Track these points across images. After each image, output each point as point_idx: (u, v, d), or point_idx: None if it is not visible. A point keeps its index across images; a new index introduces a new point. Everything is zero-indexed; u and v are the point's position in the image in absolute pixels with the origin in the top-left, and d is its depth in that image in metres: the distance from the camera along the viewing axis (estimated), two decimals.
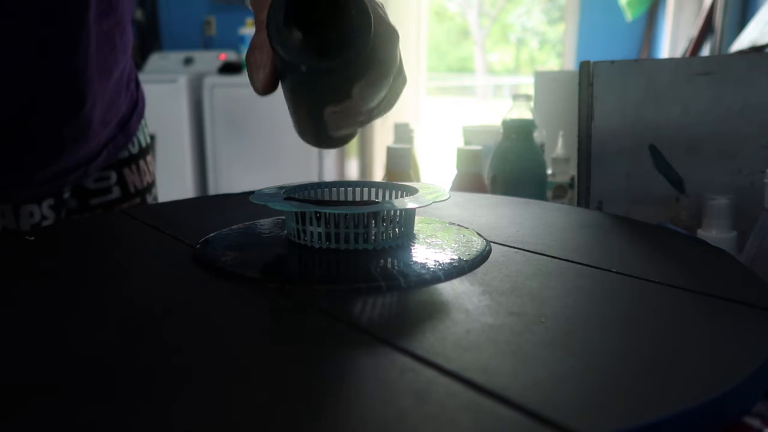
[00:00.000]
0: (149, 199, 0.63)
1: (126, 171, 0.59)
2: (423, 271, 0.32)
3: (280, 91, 0.39)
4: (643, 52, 2.88)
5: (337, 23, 0.33)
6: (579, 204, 0.62)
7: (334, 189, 0.43)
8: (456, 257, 0.35)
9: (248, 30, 2.79)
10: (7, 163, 0.49)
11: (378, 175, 3.16)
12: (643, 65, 0.59)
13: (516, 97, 0.79)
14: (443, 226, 0.42)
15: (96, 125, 0.53)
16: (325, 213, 0.36)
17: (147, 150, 0.61)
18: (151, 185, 0.62)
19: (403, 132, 0.95)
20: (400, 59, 0.37)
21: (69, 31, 0.46)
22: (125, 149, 0.59)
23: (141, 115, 0.61)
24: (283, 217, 0.44)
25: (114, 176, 0.57)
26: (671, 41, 2.49)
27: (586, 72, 0.59)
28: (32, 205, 0.53)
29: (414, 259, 0.35)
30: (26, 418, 0.19)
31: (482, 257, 0.35)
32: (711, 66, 0.57)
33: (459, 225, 0.43)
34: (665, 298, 0.30)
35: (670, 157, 0.59)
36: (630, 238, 0.42)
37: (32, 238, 0.42)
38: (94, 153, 0.55)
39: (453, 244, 0.38)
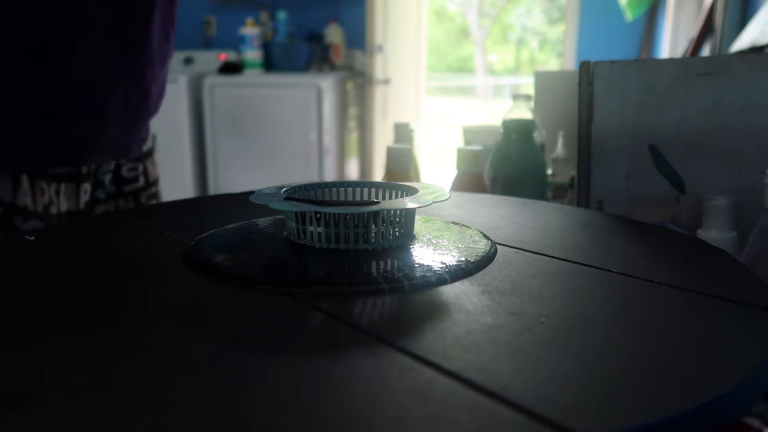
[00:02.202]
0: (159, 189, 0.73)
1: (147, 163, 0.69)
2: (429, 274, 0.32)
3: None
4: (643, 52, 2.88)
5: None
6: (579, 204, 0.62)
7: (334, 189, 0.43)
8: (463, 259, 0.35)
9: (248, 30, 2.79)
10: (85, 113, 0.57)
11: (378, 175, 3.16)
12: (643, 65, 0.59)
13: (516, 97, 0.79)
14: (446, 226, 0.42)
15: (153, 98, 0.62)
16: (325, 213, 0.36)
17: (154, 149, 0.71)
18: (158, 178, 0.72)
19: (403, 132, 0.95)
20: None
21: None
22: (146, 143, 0.70)
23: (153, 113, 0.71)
24: (280, 216, 0.44)
25: (141, 167, 0.68)
26: (671, 41, 2.49)
27: (586, 72, 0.59)
28: (86, 184, 0.62)
29: (418, 260, 0.35)
30: (22, 419, 0.19)
31: (488, 258, 0.35)
32: (711, 66, 0.57)
33: (462, 225, 0.43)
34: (665, 298, 0.30)
35: (670, 157, 0.59)
36: (630, 238, 0.42)
37: (32, 238, 0.42)
38: (142, 135, 0.65)
39: (459, 245, 0.37)
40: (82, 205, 0.61)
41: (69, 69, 0.54)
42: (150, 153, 0.70)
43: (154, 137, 0.71)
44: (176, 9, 0.64)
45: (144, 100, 0.61)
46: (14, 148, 0.54)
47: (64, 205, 0.60)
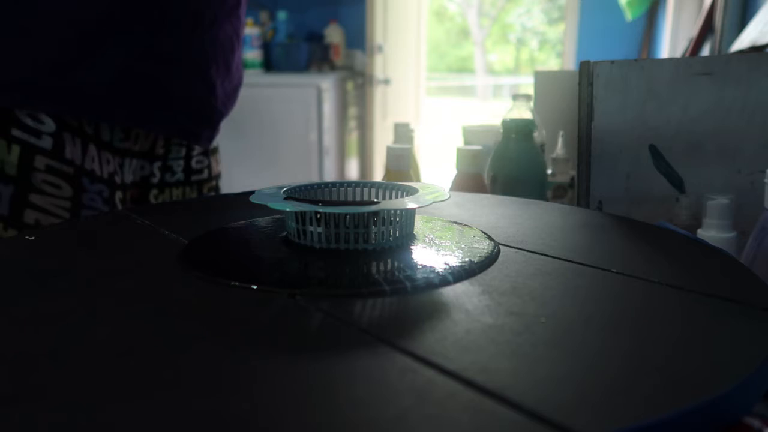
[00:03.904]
0: (220, 184, 0.82)
1: (212, 159, 0.78)
2: (432, 275, 0.32)
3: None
4: (643, 52, 2.88)
5: None
6: (579, 204, 0.63)
7: (334, 189, 0.43)
8: (467, 260, 0.34)
9: (248, 30, 2.79)
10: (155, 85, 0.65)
11: (378, 175, 3.16)
12: (643, 65, 0.59)
13: (516, 97, 0.79)
14: (447, 226, 0.42)
15: (218, 95, 0.71)
16: (325, 213, 0.36)
17: (218, 148, 0.81)
18: (220, 174, 0.81)
19: (403, 132, 0.95)
20: None
21: None
22: (214, 141, 0.78)
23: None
24: (280, 216, 0.44)
25: (206, 161, 0.77)
26: (671, 41, 2.49)
27: (586, 72, 0.59)
28: (144, 161, 0.70)
29: (420, 261, 0.35)
30: (20, 417, 0.19)
31: (491, 259, 0.35)
32: (711, 66, 0.57)
33: (464, 225, 0.43)
34: (665, 298, 0.30)
35: (670, 157, 0.59)
36: (630, 238, 0.42)
37: (32, 238, 0.42)
38: (211, 128, 0.74)
39: (462, 245, 0.37)
40: (138, 178, 0.71)
41: (148, 45, 0.63)
42: (215, 151, 0.79)
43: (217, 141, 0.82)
44: (242, 28, 0.75)
45: (209, 92, 0.70)
46: (90, 98, 0.62)
47: (127, 177, 0.69)
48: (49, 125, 0.60)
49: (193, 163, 0.75)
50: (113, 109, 0.64)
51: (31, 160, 0.59)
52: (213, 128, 0.74)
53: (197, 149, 0.75)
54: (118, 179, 0.67)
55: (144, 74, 0.64)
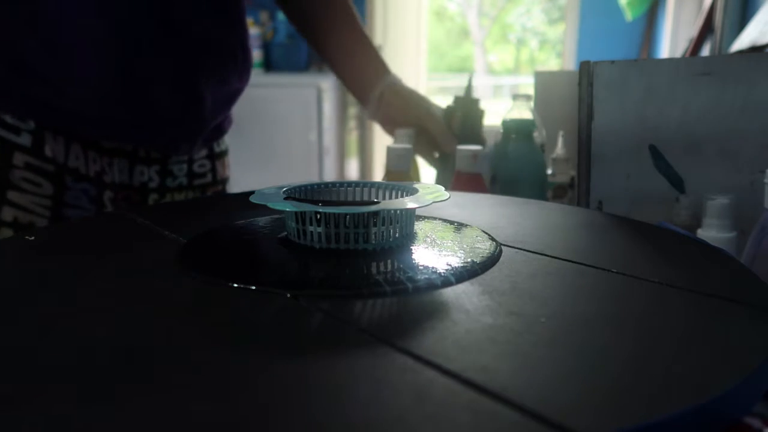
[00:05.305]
0: (227, 188, 0.81)
1: (217, 163, 0.78)
2: (433, 276, 0.32)
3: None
4: (643, 52, 2.88)
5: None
6: (579, 204, 0.62)
7: (334, 189, 0.43)
8: (469, 260, 0.34)
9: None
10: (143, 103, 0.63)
11: (378, 175, 3.16)
12: (643, 65, 0.59)
13: (516, 97, 0.79)
14: (447, 226, 0.42)
15: (207, 106, 0.68)
16: (325, 213, 0.36)
17: (227, 152, 0.81)
18: (227, 179, 0.81)
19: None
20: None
21: None
22: (217, 144, 0.78)
23: (230, 122, 0.79)
24: (279, 216, 0.44)
25: (209, 165, 0.77)
26: (671, 41, 2.49)
27: (586, 72, 0.59)
28: (143, 166, 0.69)
29: (421, 261, 0.35)
30: (19, 419, 0.19)
31: (493, 259, 0.35)
32: (711, 66, 0.57)
33: (465, 225, 0.43)
34: (665, 298, 0.30)
35: (670, 157, 0.59)
36: (630, 238, 0.42)
37: (32, 238, 0.42)
38: (197, 138, 0.72)
39: (463, 246, 0.37)
40: (136, 183, 0.69)
41: (131, 60, 0.61)
42: (221, 155, 0.79)
43: (226, 145, 0.81)
44: (247, 36, 0.73)
45: (195, 104, 0.67)
46: (69, 113, 0.61)
47: (117, 177, 0.67)
48: (29, 123, 0.60)
49: (195, 167, 0.74)
50: (93, 125, 0.63)
51: (10, 157, 0.59)
52: (195, 139, 0.71)
53: (201, 153, 0.74)
54: (107, 178, 0.66)
55: (126, 91, 0.62)
